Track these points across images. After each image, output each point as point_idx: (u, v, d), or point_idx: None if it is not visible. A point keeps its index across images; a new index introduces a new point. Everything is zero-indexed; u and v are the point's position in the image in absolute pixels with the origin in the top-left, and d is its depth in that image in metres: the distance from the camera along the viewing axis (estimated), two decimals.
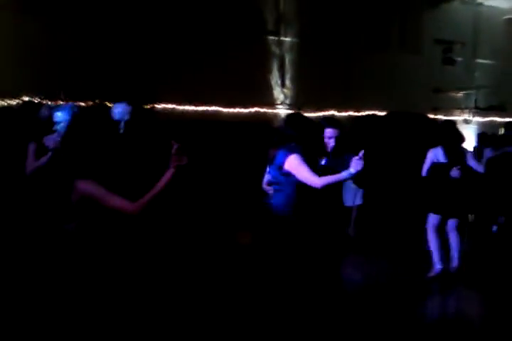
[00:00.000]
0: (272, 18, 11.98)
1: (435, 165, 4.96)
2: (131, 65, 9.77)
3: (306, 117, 3.37)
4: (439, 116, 13.65)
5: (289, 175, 3.19)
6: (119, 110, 4.57)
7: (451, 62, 13.90)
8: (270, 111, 11.97)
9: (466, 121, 14.40)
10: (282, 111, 12.22)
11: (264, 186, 3.38)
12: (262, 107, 11.78)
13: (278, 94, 12.19)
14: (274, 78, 12.09)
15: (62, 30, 9.98)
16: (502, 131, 13.79)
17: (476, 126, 14.40)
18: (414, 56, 13.84)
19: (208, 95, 10.73)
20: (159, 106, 10.45)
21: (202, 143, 8.46)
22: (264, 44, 11.89)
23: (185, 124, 9.42)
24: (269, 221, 3.17)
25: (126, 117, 4.57)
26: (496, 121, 14.60)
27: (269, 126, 10.92)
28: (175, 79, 10.25)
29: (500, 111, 13.87)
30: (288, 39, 12.18)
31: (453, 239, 5.11)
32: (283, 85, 12.12)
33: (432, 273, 5.10)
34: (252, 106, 11.62)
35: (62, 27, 10.00)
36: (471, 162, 4.97)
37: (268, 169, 3.36)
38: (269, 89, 12.02)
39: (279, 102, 12.18)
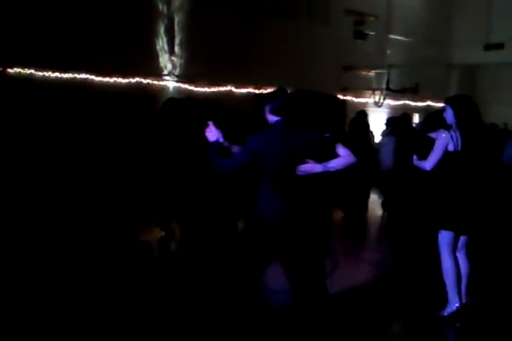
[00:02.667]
0: None
1: (447, 155, 3.86)
2: None
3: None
4: (349, 97, 13.16)
5: None
6: None
7: (363, 36, 13.45)
8: (155, 82, 11.02)
9: (377, 104, 13.96)
10: (170, 83, 11.46)
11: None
12: (145, 78, 10.76)
13: (165, 62, 11.27)
14: (161, 43, 11.16)
15: None
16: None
17: (387, 110, 14.15)
18: (322, 27, 13.25)
19: (77, 60, 9.56)
20: (12, 70, 9.13)
21: (66, 116, 8.10)
22: (149, 1, 10.93)
23: (46, 93, 8.81)
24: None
25: None
26: (409, 105, 14.51)
27: (153, 100, 10.14)
28: (34, 38, 9.05)
29: (413, 93, 13.56)
30: None
31: (463, 261, 4.07)
32: (171, 52, 11.22)
33: (446, 312, 4.00)
34: (133, 76, 10.60)
35: None
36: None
37: None
38: (154, 56, 11.02)
39: (166, 73, 11.25)
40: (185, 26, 11.37)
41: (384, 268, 5.29)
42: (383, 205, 8.04)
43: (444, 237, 3.96)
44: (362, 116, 8.05)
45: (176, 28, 11.33)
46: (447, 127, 3.94)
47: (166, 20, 11.19)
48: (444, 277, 3.99)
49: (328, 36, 13.10)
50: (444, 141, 3.87)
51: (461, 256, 4.01)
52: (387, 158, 7.58)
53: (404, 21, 14.84)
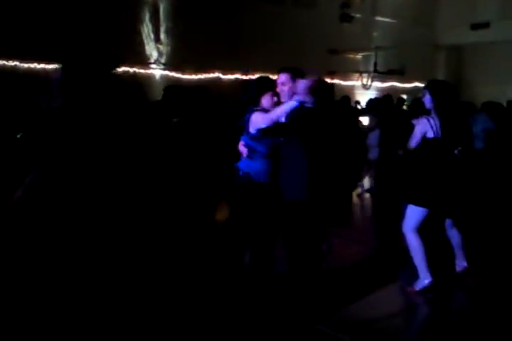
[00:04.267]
0: None
1: (426, 142, 3.90)
2: None
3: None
4: (336, 81, 13.08)
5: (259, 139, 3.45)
6: None
7: (349, 18, 13.39)
8: (141, 71, 10.98)
9: (365, 87, 13.88)
10: (157, 71, 11.45)
11: (241, 147, 3.56)
12: (131, 66, 10.77)
13: (151, 50, 11.29)
14: (146, 31, 11.17)
15: None
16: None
17: (375, 92, 13.98)
18: (309, 11, 13.12)
19: (61, 50, 9.23)
20: None
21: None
22: None
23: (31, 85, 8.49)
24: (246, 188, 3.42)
25: None
26: (396, 87, 14.43)
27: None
28: (17, 30, 8.98)
29: (400, 75, 13.51)
30: None
31: (454, 235, 4.28)
32: (157, 40, 11.25)
33: (418, 287, 4.07)
34: (120, 65, 10.08)
35: None
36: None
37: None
38: (139, 44, 11.05)
39: (152, 61, 11.28)
40: (171, 13, 11.29)
41: (374, 248, 5.36)
42: (370, 190, 8.03)
43: (413, 212, 3.94)
44: (346, 101, 8.01)
45: (162, 16, 11.25)
46: (428, 113, 3.96)
47: (151, 8, 11.12)
48: (412, 256, 4.04)
49: (315, 20, 12.91)
50: (420, 127, 3.89)
51: (452, 232, 4.23)
52: (373, 142, 7.55)
53: (390, 3, 14.61)
